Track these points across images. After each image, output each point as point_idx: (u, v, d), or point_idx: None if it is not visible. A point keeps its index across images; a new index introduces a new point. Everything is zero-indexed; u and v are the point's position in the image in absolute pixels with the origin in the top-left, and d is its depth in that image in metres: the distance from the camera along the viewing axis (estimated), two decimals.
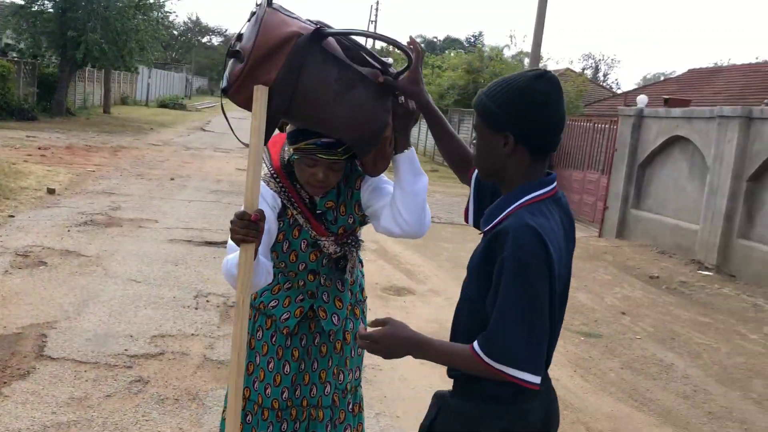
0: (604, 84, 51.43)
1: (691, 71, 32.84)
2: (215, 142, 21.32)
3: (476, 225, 2.02)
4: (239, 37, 2.02)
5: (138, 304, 5.46)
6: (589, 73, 58.68)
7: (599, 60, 75.54)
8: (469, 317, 1.79)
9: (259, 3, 1.97)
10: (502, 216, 1.75)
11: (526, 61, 25.59)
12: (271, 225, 2.20)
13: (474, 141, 1.88)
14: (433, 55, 47.76)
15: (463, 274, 1.87)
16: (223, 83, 1.99)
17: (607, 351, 5.74)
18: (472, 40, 65.93)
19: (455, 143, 2.20)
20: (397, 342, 1.76)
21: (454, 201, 15.68)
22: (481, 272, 1.74)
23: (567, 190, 15.20)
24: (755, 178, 9.06)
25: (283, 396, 2.49)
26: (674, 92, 28.10)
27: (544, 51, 73.13)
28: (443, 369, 1.87)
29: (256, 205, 1.91)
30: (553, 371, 4.94)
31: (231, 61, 1.98)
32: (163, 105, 40.03)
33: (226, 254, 2.15)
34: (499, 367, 1.63)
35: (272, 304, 2.43)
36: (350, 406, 2.65)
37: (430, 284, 7.38)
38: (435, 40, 66.04)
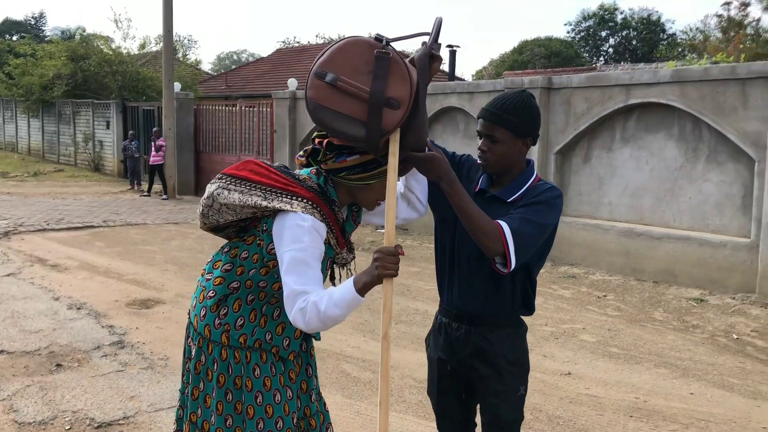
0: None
1: (279, 51, 35.56)
2: None
3: None
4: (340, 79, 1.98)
5: None
6: None
7: (176, 41, 75.43)
8: None
9: (384, 50, 1.96)
10: (526, 187, 2.34)
11: (150, 47, 24.78)
12: None
13: (483, 148, 2.32)
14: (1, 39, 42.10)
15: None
16: (363, 131, 1.98)
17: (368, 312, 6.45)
18: (32, 22, 59.75)
19: None
20: (442, 167, 2.14)
21: (107, 201, 14.72)
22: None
23: None
24: None
25: (294, 421, 2.46)
26: (269, 71, 30.26)
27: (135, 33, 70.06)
28: None
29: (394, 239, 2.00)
30: (343, 342, 5.42)
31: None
32: None
33: (293, 298, 2.07)
34: (511, 245, 2.15)
35: (267, 337, 2.36)
36: (325, 406, 2.78)
37: (169, 289, 7.14)
38: None
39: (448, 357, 2.49)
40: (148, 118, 18.29)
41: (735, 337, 6.02)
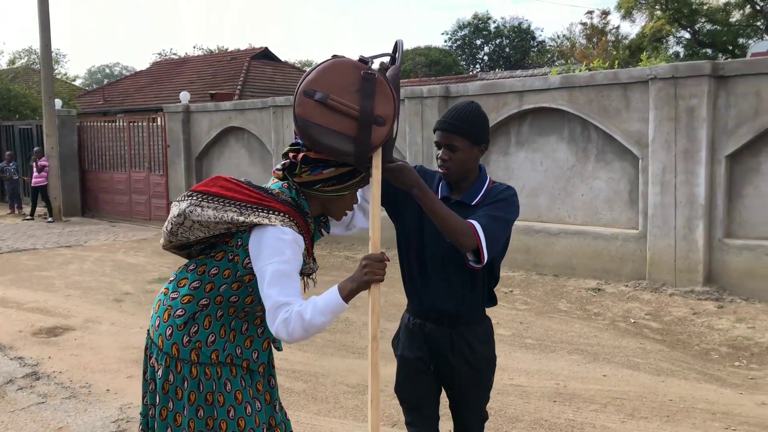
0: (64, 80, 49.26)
1: (157, 63, 34.54)
2: None
3: None
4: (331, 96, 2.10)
5: None
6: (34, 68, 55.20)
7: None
8: None
9: (371, 71, 2.10)
10: (484, 190, 2.51)
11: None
12: None
13: (444, 157, 2.49)
14: None
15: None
16: (352, 147, 2.10)
17: None
18: None
19: None
20: (412, 176, 2.27)
21: (7, 226, 13.79)
22: None
23: (111, 193, 14.93)
24: None
25: None
26: (149, 84, 29.33)
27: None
28: None
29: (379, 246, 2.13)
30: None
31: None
32: None
33: (276, 310, 2.11)
34: (483, 240, 2.33)
35: (238, 351, 2.39)
36: (286, 415, 2.83)
37: (77, 314, 6.83)
38: None
39: (424, 354, 2.61)
40: (25, 138, 17.27)
41: (632, 321, 6.54)
